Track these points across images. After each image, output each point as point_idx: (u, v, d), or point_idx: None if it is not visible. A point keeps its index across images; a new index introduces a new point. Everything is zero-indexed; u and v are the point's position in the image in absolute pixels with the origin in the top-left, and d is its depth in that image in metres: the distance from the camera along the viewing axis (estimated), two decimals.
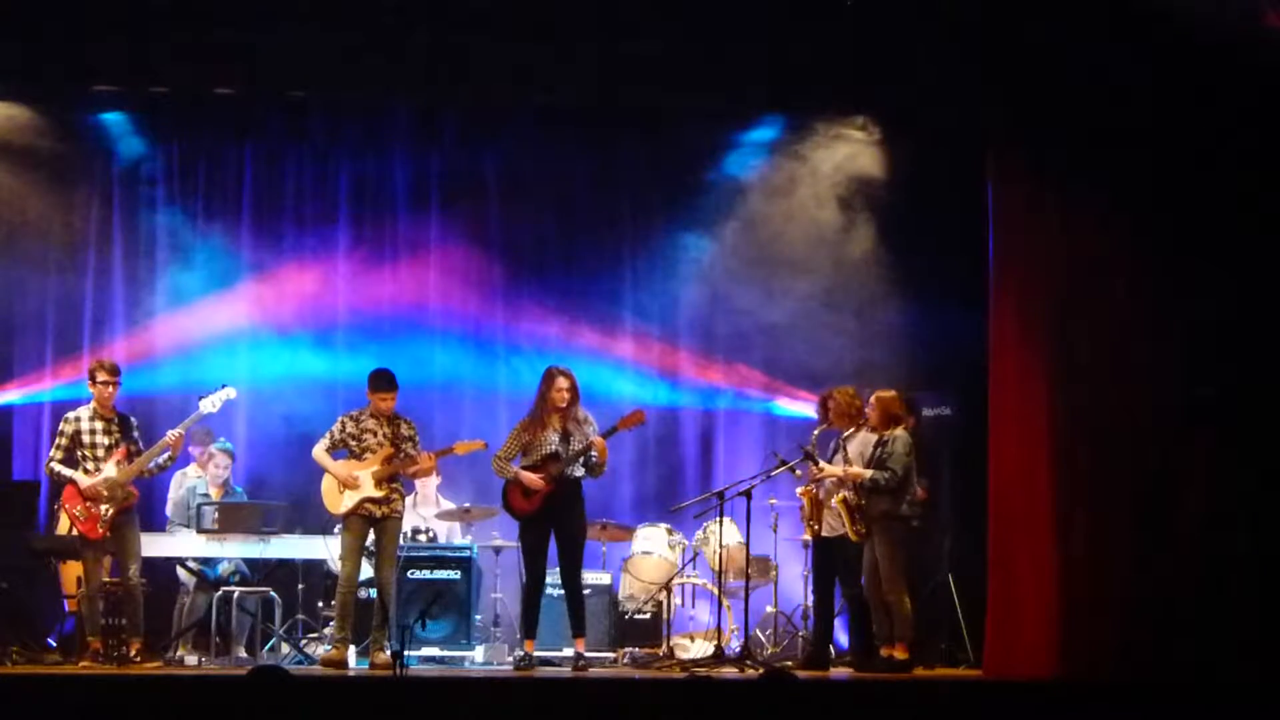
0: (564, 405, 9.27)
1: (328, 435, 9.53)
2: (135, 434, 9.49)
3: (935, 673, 9.71)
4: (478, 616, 10.24)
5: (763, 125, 11.24)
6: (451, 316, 11.58)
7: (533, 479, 9.20)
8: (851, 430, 9.53)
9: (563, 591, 9.38)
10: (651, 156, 11.29)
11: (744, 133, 11.31)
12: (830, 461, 9.52)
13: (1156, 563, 8.88)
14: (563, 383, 9.28)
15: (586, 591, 9.94)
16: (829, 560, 9.61)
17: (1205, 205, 9.08)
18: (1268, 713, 7.87)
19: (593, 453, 9.24)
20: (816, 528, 9.59)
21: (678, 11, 9.58)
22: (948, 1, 9.42)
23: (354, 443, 9.47)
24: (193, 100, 10.55)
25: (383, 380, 9.48)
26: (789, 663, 9.65)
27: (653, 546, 10.49)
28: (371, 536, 9.45)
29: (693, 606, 10.61)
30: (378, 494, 9.38)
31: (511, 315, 11.57)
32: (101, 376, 9.36)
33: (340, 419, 9.57)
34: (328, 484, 9.49)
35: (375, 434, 9.47)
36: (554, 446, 9.25)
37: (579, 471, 9.32)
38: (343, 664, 9.21)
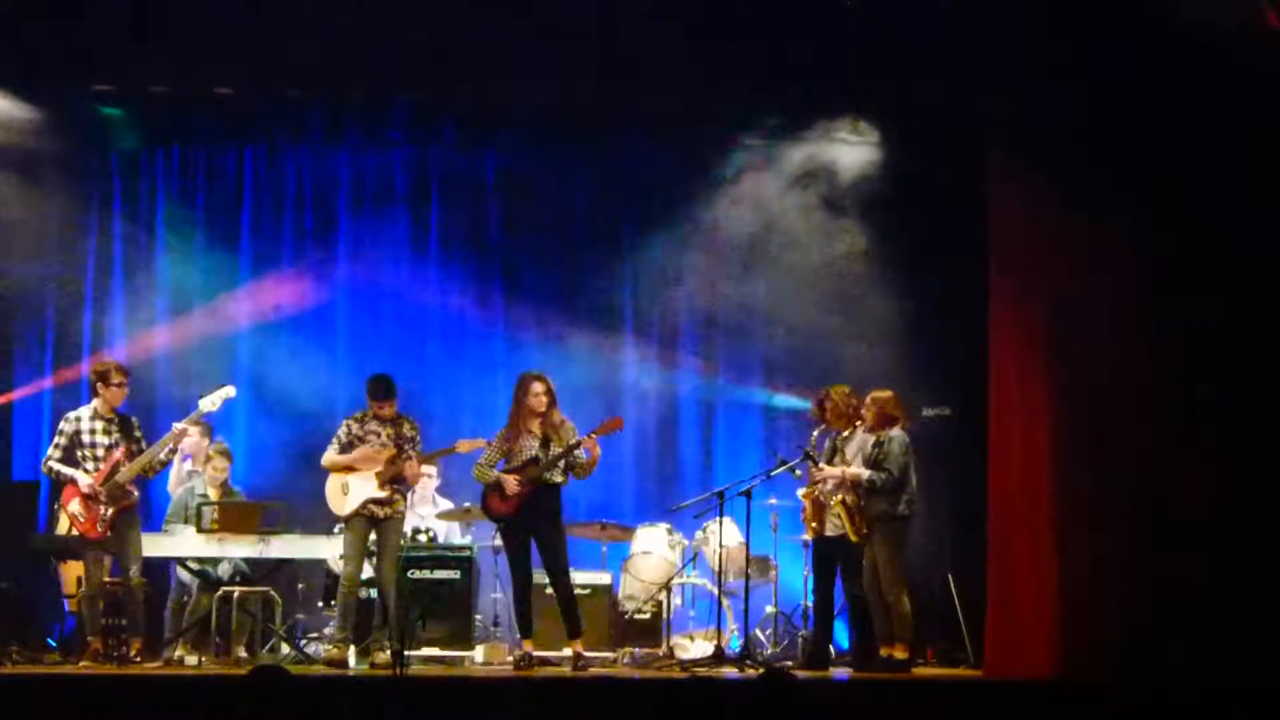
0: (542, 410, 9.30)
1: (335, 441, 9.53)
2: (137, 433, 9.48)
3: (935, 672, 9.71)
4: (478, 616, 10.25)
5: (762, 125, 11.23)
6: (451, 316, 11.59)
7: (509, 481, 9.23)
8: (849, 430, 9.53)
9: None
10: (651, 156, 11.28)
11: (743, 132, 11.30)
12: (829, 462, 9.52)
13: (1156, 563, 8.87)
14: (538, 388, 9.31)
15: (586, 591, 9.96)
16: (830, 559, 9.61)
17: (1205, 205, 9.07)
18: (1268, 713, 7.87)
19: (582, 451, 9.25)
20: (817, 527, 9.59)
21: (678, 11, 9.59)
22: (948, 2, 9.42)
23: (358, 444, 9.47)
24: (193, 100, 10.55)
25: (380, 388, 9.48)
26: (789, 663, 9.65)
27: (653, 546, 10.49)
28: (373, 536, 9.47)
29: (693, 606, 10.61)
30: (381, 494, 9.39)
31: (511, 315, 11.58)
32: (117, 379, 9.36)
33: (345, 422, 9.58)
34: (332, 486, 9.50)
35: (379, 435, 9.48)
36: (533, 451, 9.27)
37: (558, 477, 9.33)
38: (343, 664, 9.21)
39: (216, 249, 11.42)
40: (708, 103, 10.37)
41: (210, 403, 9.59)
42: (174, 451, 9.59)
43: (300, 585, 10.25)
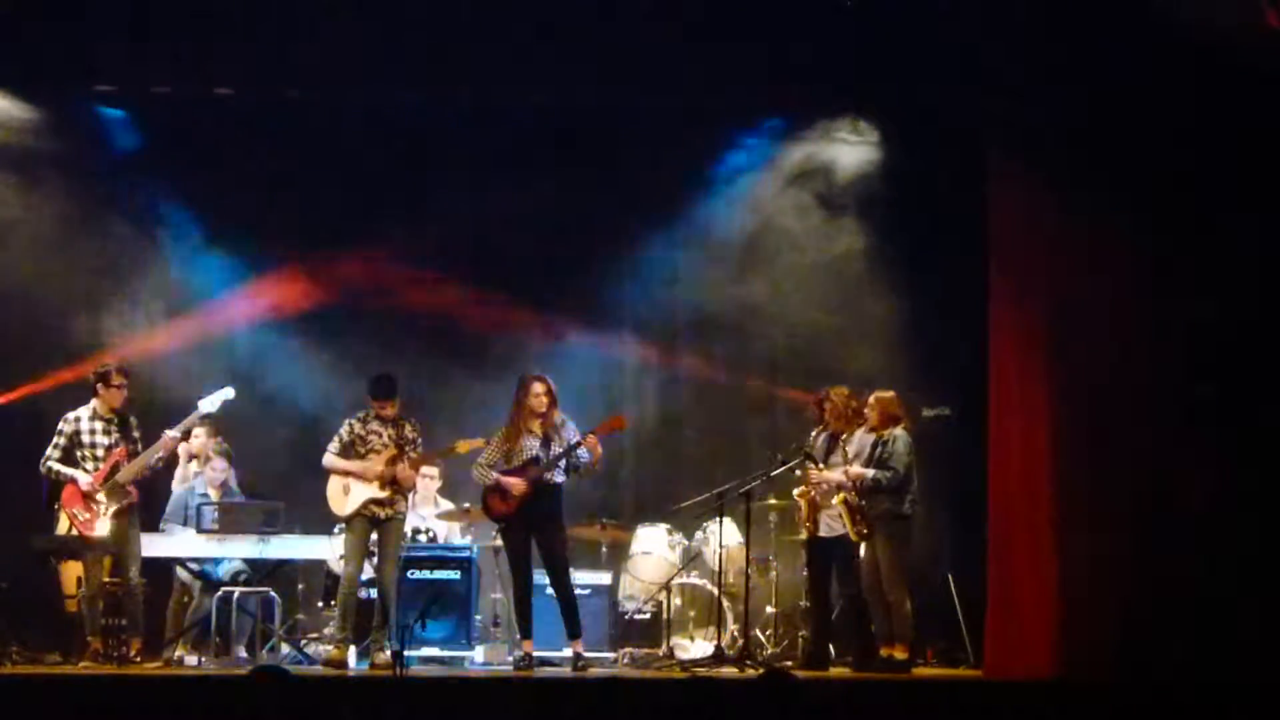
0: (543, 410, 9.31)
1: (336, 440, 9.53)
2: (135, 434, 9.49)
3: (935, 672, 9.71)
4: (478, 616, 10.25)
5: (762, 125, 11.23)
6: (450, 317, 11.57)
7: (512, 481, 9.24)
8: (850, 431, 9.53)
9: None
10: (651, 156, 11.27)
11: (744, 132, 11.29)
12: (827, 462, 9.52)
13: (1156, 563, 8.87)
14: (539, 388, 9.32)
15: (586, 592, 9.97)
16: (825, 561, 9.61)
17: (1205, 205, 9.07)
18: (1268, 713, 7.87)
19: (582, 451, 9.25)
20: (812, 528, 9.59)
21: (678, 11, 9.59)
22: (948, 2, 9.42)
23: (360, 444, 9.48)
24: (193, 100, 10.55)
25: (381, 387, 9.49)
26: (789, 663, 9.65)
27: (653, 546, 10.50)
28: (373, 537, 9.47)
29: (693, 607, 10.61)
30: (381, 495, 9.40)
31: (512, 316, 11.56)
32: (117, 380, 9.37)
33: (347, 422, 9.58)
34: (333, 486, 9.51)
35: (380, 435, 9.50)
36: (534, 451, 9.28)
37: (559, 477, 9.34)
38: (343, 664, 9.22)
39: (216, 249, 11.41)
40: (708, 103, 10.37)
41: (209, 404, 9.61)
42: (163, 459, 9.57)
43: (300, 585, 10.24)
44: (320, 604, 10.30)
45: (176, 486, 10.46)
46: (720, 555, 10.03)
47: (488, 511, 9.51)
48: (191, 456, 10.48)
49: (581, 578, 10.04)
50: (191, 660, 9.54)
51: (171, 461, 10.17)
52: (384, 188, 11.54)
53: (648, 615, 10.29)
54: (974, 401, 9.92)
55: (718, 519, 9.95)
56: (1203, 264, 9.05)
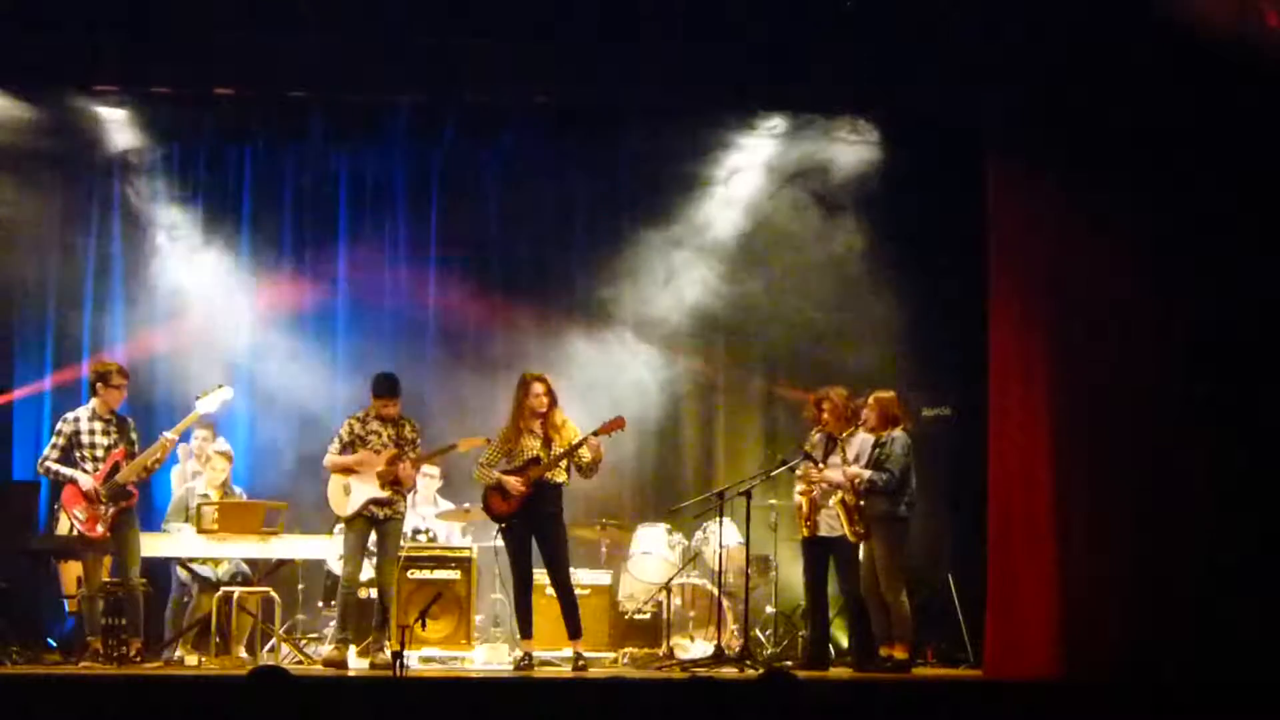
0: (543, 410, 9.31)
1: (336, 440, 9.53)
2: (133, 435, 9.49)
3: (935, 672, 9.71)
4: (478, 616, 10.25)
5: (762, 125, 11.22)
6: (450, 316, 11.59)
7: (512, 482, 9.24)
8: (849, 432, 9.53)
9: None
10: (650, 156, 11.28)
11: (743, 132, 11.28)
12: (826, 462, 9.53)
13: (1156, 562, 8.88)
14: (539, 388, 9.32)
15: (585, 592, 9.95)
16: (823, 561, 9.61)
17: (1206, 205, 9.07)
18: (1268, 713, 7.87)
19: (584, 451, 9.26)
20: (811, 528, 9.59)
21: (678, 11, 9.58)
22: (948, 2, 9.42)
23: (359, 444, 9.47)
24: (193, 100, 10.55)
25: (383, 386, 9.49)
26: (789, 663, 9.65)
27: (653, 546, 10.50)
28: (373, 537, 9.48)
29: (693, 607, 10.61)
30: (381, 495, 9.40)
31: (511, 314, 11.57)
32: (117, 380, 9.37)
33: (347, 421, 9.58)
34: (334, 486, 9.51)
35: (380, 435, 9.49)
36: (535, 451, 9.28)
37: (560, 477, 9.34)
38: (343, 664, 9.22)
39: (216, 249, 11.41)
40: (708, 103, 10.37)
41: (207, 404, 9.60)
42: (160, 461, 9.57)
43: (300, 585, 10.25)
44: (320, 604, 10.30)
45: (176, 487, 10.46)
46: (720, 555, 10.04)
47: (489, 511, 9.51)
48: (191, 456, 10.49)
49: (581, 578, 10.04)
50: (191, 660, 9.53)
51: (170, 462, 10.16)
52: (383, 186, 11.56)
53: (648, 615, 10.28)
54: (974, 401, 9.92)
55: (718, 519, 9.95)
56: (1203, 264, 9.05)
